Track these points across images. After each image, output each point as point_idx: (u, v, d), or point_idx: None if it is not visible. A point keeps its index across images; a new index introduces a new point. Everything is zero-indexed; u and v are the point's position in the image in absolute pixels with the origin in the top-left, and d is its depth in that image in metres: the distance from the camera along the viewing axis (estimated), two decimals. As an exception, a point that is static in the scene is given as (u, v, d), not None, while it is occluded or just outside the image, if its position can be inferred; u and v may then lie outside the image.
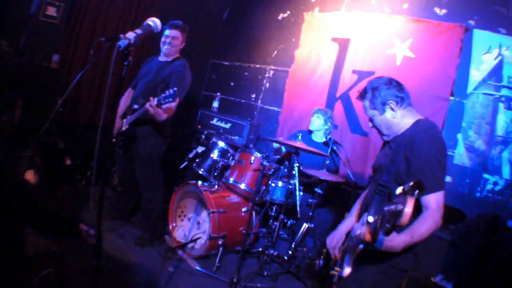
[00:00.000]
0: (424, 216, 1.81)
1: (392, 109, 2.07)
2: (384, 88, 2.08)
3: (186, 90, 3.49)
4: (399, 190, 1.43)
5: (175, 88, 2.88)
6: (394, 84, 2.09)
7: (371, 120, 2.17)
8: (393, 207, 1.44)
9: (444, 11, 4.00)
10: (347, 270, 1.98)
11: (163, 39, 3.50)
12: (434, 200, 1.82)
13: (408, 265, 2.00)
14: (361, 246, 1.88)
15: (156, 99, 3.01)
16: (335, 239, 2.23)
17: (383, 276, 1.98)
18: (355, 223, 2.21)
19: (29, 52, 4.21)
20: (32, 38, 4.35)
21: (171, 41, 3.47)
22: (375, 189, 2.06)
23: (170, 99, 2.88)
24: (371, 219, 1.72)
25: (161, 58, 3.61)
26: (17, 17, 4.22)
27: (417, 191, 1.36)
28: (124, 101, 3.78)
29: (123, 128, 3.48)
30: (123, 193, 3.96)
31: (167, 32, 3.48)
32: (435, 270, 3.02)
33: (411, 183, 1.37)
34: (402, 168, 1.94)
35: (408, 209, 1.35)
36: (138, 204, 3.84)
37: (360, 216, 2.22)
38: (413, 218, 1.77)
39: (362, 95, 2.17)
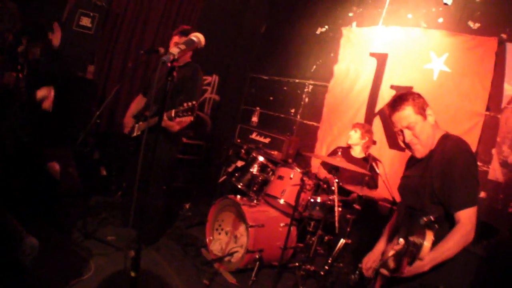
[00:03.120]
0: (453, 231, 1.97)
1: (431, 114, 2.21)
2: (419, 96, 2.25)
3: (200, 95, 3.64)
4: (422, 220, 1.64)
5: (194, 102, 2.95)
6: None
7: (409, 128, 2.19)
8: (415, 238, 1.62)
9: (477, 24, 4.23)
10: None
11: (173, 44, 3.72)
12: (465, 215, 1.97)
13: (438, 282, 2.14)
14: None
15: (173, 111, 3.16)
16: (370, 260, 2.46)
17: None
18: (386, 245, 2.49)
19: (63, 61, 4.49)
20: (66, 48, 4.55)
21: None
22: (405, 212, 2.31)
23: (189, 113, 2.98)
24: (400, 242, 1.84)
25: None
26: (48, 26, 4.36)
27: (437, 226, 1.56)
28: (135, 105, 4.15)
29: (135, 133, 3.86)
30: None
31: (176, 38, 3.75)
32: (468, 287, 3.14)
33: (432, 218, 1.58)
34: (438, 186, 2.08)
35: (427, 243, 1.53)
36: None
37: (391, 238, 2.47)
38: (446, 231, 1.98)
39: (402, 101, 2.21)
